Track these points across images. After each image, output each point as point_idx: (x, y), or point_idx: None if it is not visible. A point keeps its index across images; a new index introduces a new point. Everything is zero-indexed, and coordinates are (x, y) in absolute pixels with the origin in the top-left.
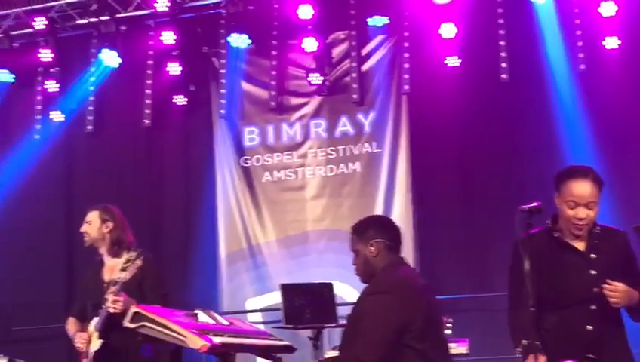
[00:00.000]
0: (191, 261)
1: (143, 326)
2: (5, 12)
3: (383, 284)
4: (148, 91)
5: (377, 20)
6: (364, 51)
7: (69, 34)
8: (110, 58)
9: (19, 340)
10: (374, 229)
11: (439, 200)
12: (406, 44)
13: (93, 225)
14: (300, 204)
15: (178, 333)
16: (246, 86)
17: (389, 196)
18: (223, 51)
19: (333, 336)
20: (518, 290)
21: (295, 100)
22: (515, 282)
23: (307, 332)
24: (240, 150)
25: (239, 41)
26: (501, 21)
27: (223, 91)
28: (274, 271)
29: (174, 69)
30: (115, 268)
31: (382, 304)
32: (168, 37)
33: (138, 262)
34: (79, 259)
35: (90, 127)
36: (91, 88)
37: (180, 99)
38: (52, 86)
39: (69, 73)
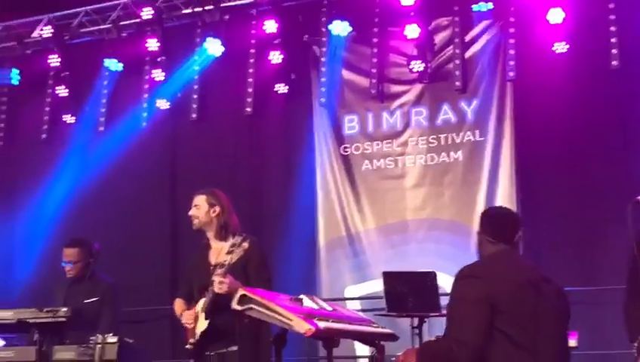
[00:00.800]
0: (289, 248)
1: (249, 308)
2: (114, 3)
3: (472, 269)
4: (250, 80)
5: (482, 6)
6: (467, 37)
7: (174, 23)
8: (214, 47)
9: (126, 321)
10: (482, 221)
11: (544, 192)
12: (512, 30)
13: (202, 209)
14: (399, 192)
15: (285, 317)
16: (346, 74)
17: (492, 186)
18: (323, 39)
19: (435, 326)
20: (635, 283)
21: (396, 88)
22: (632, 275)
23: (406, 321)
24: (340, 138)
25: (340, 28)
26: (611, 5)
27: (323, 79)
28: (373, 259)
29: (276, 57)
30: (222, 252)
31: (468, 286)
32: (270, 25)
33: (245, 245)
34: (183, 242)
35: (194, 115)
36: (195, 77)
37: (281, 88)
38: (158, 75)
39: (174, 62)
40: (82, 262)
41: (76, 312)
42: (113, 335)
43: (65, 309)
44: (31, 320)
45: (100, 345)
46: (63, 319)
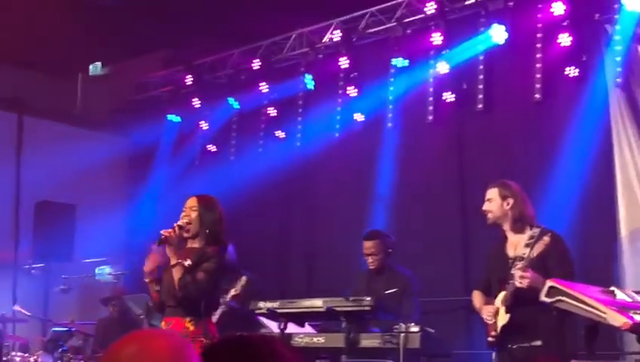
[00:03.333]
0: (583, 239)
1: (559, 300)
2: (398, 1)
3: None
4: (538, 65)
5: None
6: None
7: (456, 15)
8: (498, 34)
9: (422, 312)
10: None
11: None
12: None
13: (494, 202)
14: None
15: (597, 309)
16: None
17: None
18: (615, 16)
19: None
20: None
21: None
22: None
23: None
24: (639, 120)
25: (634, 3)
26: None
27: (617, 59)
28: None
29: (565, 40)
30: (519, 244)
31: None
32: (558, 7)
33: (546, 239)
34: (474, 234)
35: (480, 106)
36: (480, 67)
37: (572, 71)
38: (443, 67)
39: (459, 53)
40: (381, 254)
41: (378, 302)
42: (415, 324)
43: (369, 299)
44: (339, 309)
45: (403, 334)
46: (368, 308)
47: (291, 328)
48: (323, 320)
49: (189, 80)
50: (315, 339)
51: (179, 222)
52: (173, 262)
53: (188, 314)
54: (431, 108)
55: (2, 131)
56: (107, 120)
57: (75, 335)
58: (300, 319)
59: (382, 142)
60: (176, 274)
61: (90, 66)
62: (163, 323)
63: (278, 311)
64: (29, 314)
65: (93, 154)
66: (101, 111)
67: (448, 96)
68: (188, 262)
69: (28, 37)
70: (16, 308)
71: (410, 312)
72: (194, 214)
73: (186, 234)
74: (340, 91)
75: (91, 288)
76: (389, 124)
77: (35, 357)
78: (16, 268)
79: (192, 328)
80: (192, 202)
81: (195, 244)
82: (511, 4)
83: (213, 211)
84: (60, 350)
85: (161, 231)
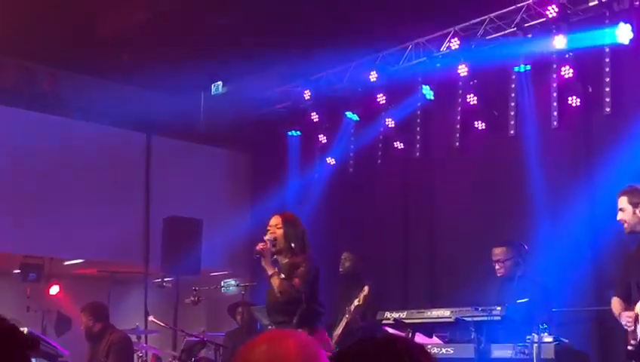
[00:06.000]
0: None
1: None
2: (517, 6)
3: None
4: None
5: None
6: None
7: (579, 17)
8: (624, 33)
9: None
10: None
11: None
12: None
13: (627, 211)
14: None
15: None
16: None
17: None
18: None
19: None
20: None
21: None
22: None
23: None
24: None
25: None
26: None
27: None
28: None
29: None
30: None
31: None
32: None
33: None
34: (604, 243)
35: (607, 109)
36: (607, 69)
37: None
38: (567, 72)
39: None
40: (511, 261)
41: (509, 311)
42: (548, 334)
43: (499, 308)
44: (468, 319)
45: (536, 344)
46: (498, 318)
47: (418, 339)
48: (451, 331)
49: (307, 95)
50: (443, 350)
51: (267, 237)
52: (270, 272)
53: (299, 326)
54: (555, 113)
55: (133, 151)
56: (229, 136)
57: (206, 346)
58: (427, 329)
59: (506, 149)
60: (275, 282)
61: (212, 86)
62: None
63: (406, 321)
64: (163, 324)
65: (217, 169)
66: (223, 128)
67: (574, 101)
68: (282, 276)
69: (154, 59)
70: (151, 318)
71: (542, 321)
72: (279, 231)
73: (272, 249)
74: (460, 100)
75: (218, 301)
76: (512, 132)
77: None
78: (147, 281)
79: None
80: (275, 220)
81: (282, 260)
82: (637, 3)
83: (295, 227)
84: (193, 360)
85: (257, 246)
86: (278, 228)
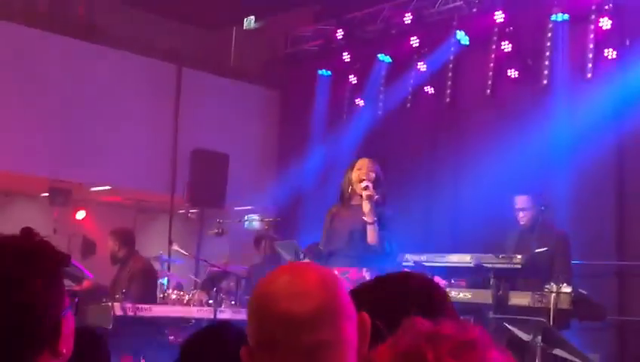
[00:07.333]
0: None
1: None
2: None
3: None
4: None
5: None
6: None
7: None
8: None
9: (575, 274)
10: None
11: None
12: None
13: None
14: None
15: None
16: None
17: None
18: None
19: None
20: None
21: None
22: None
23: None
24: None
25: None
26: None
27: None
28: None
29: None
30: None
31: None
32: None
33: None
34: (630, 195)
35: None
36: None
37: None
38: (605, 23)
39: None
40: (533, 210)
41: (529, 260)
42: (567, 285)
43: (519, 256)
44: (488, 265)
45: (554, 294)
46: (518, 266)
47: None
48: (470, 276)
49: (339, 34)
50: (461, 294)
51: (366, 184)
52: (369, 220)
53: (366, 265)
54: (590, 65)
55: (162, 81)
56: (259, 73)
57: (228, 276)
58: (447, 274)
59: (537, 99)
60: (372, 230)
61: (245, 20)
62: (336, 271)
63: (426, 263)
64: (187, 253)
65: (245, 105)
66: (254, 64)
67: (610, 53)
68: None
69: None
70: (175, 247)
71: (562, 271)
72: (372, 175)
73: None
74: (494, 47)
75: (242, 234)
76: (544, 82)
77: (190, 295)
78: (173, 212)
79: (368, 278)
80: (370, 164)
81: (365, 206)
82: None
83: (383, 175)
84: (215, 289)
85: (365, 187)
86: (371, 172)
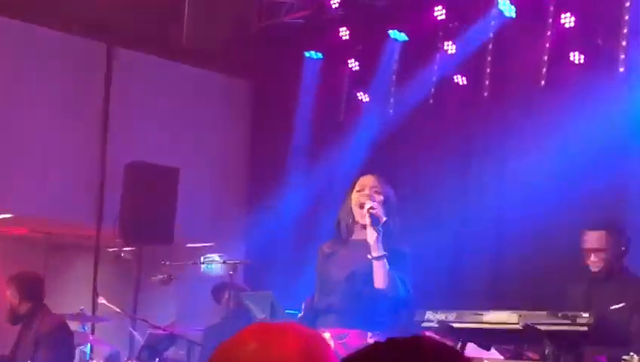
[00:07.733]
0: None
1: None
2: None
3: None
4: None
5: None
6: None
7: None
8: None
9: None
10: None
11: None
12: None
13: None
14: None
15: None
16: None
17: None
18: None
19: None
20: None
21: None
22: None
23: None
24: None
25: None
26: None
27: None
28: None
29: None
30: None
31: None
32: None
33: None
34: None
35: None
36: None
37: None
38: None
39: None
40: (611, 252)
41: (600, 321)
42: None
43: (586, 315)
44: (542, 327)
45: None
46: (585, 328)
47: (470, 351)
48: (517, 342)
49: (334, 2)
50: None
51: (370, 205)
52: (376, 254)
53: (372, 328)
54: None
55: (88, 67)
56: (222, 55)
57: (176, 342)
58: (484, 339)
59: (613, 91)
60: (381, 268)
61: None
62: (327, 334)
63: (455, 325)
64: (118, 309)
65: (203, 99)
66: (214, 44)
67: None
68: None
69: None
70: (101, 300)
71: None
72: (380, 198)
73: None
74: (551, 20)
75: (196, 282)
76: (621, 68)
77: None
78: (99, 250)
79: None
80: (374, 182)
81: (370, 236)
82: None
83: (395, 196)
84: (157, 360)
85: (370, 207)
86: (376, 193)
